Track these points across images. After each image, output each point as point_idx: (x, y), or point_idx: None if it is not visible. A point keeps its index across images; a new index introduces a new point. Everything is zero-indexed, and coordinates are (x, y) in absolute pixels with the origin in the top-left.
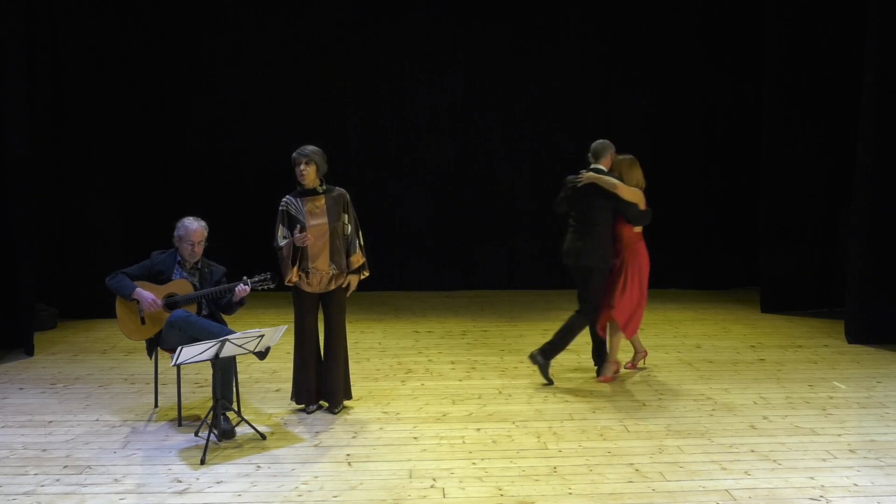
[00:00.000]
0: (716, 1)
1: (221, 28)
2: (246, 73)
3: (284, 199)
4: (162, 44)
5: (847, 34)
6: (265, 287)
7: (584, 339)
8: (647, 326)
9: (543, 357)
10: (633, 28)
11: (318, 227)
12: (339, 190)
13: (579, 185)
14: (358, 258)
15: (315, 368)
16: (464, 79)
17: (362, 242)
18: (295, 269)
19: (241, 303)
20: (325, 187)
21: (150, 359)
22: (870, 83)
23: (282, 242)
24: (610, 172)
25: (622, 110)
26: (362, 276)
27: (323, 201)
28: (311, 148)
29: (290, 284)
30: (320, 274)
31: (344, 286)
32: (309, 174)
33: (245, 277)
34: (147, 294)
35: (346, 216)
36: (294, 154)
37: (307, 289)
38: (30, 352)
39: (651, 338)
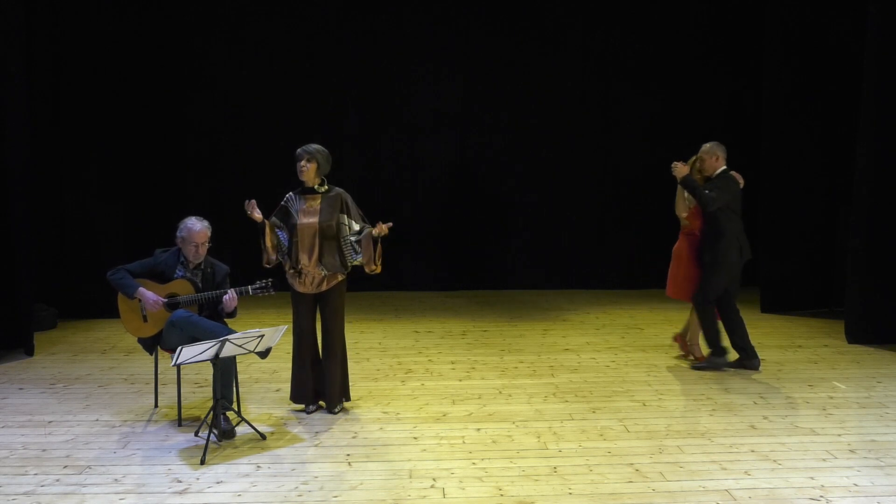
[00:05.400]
0: (716, 1)
1: (222, 28)
2: (247, 72)
3: (288, 194)
4: (162, 43)
5: (847, 34)
6: (266, 294)
7: (584, 340)
8: (647, 326)
9: (746, 358)
10: (633, 28)
11: (308, 226)
12: (337, 190)
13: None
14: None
15: (313, 369)
16: (464, 79)
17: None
18: (267, 255)
19: (231, 314)
20: (324, 188)
21: (150, 355)
22: (869, 83)
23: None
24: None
25: (622, 111)
26: (377, 264)
27: (319, 201)
28: (315, 146)
29: (267, 266)
30: (311, 274)
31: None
32: (309, 171)
33: (230, 290)
34: (150, 294)
35: (345, 216)
36: (298, 150)
37: (300, 289)
38: (30, 352)
39: (651, 337)
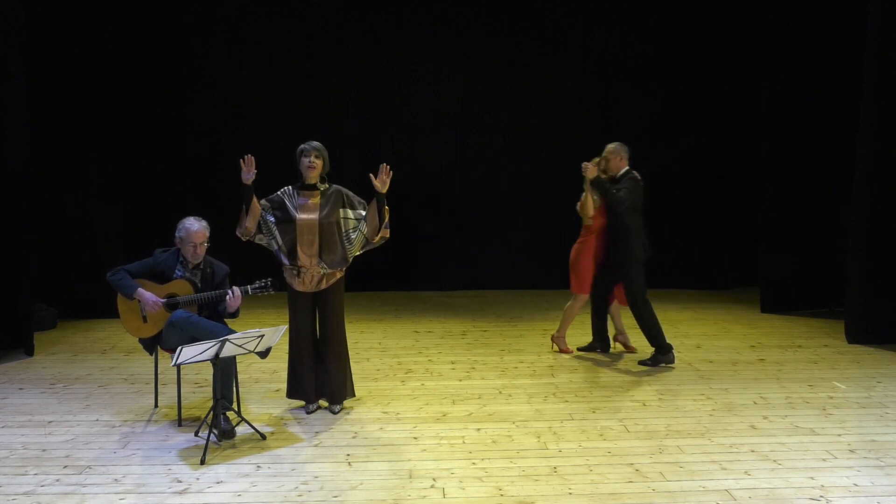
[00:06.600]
0: (716, 1)
1: (222, 28)
2: (247, 72)
3: (285, 188)
4: (162, 43)
5: (847, 34)
6: (265, 293)
7: (584, 340)
8: None
9: (599, 342)
10: (633, 28)
11: (307, 223)
12: (335, 187)
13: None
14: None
15: (312, 367)
16: (464, 79)
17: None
18: (244, 226)
19: (234, 315)
20: (324, 185)
21: (150, 355)
22: (869, 83)
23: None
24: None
25: (622, 111)
26: (383, 233)
27: (318, 198)
28: (319, 143)
29: (242, 238)
30: (311, 273)
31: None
32: (317, 168)
33: (233, 287)
34: (149, 295)
35: (349, 210)
36: (304, 146)
37: (299, 287)
38: (30, 352)
39: None
